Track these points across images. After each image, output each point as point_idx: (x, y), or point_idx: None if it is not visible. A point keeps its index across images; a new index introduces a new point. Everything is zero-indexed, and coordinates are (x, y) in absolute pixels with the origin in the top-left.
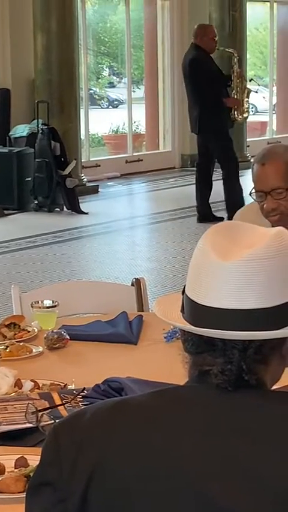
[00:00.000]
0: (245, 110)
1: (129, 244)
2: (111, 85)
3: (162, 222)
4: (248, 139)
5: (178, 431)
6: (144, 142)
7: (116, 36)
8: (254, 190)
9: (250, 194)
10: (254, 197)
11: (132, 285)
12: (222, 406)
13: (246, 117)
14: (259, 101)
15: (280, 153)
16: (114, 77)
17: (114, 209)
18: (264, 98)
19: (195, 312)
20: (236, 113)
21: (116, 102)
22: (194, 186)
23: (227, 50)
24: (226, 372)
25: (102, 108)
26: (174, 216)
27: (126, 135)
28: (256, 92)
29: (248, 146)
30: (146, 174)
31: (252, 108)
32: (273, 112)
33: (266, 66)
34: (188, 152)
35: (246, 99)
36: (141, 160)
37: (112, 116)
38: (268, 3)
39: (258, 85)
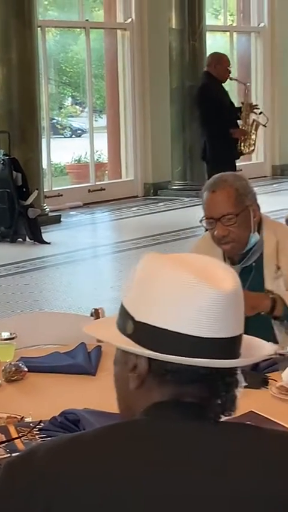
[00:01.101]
0: (252, 142)
1: (92, 273)
2: (74, 114)
3: (125, 251)
4: None
5: (132, 466)
6: (106, 172)
7: (78, 66)
8: (204, 218)
9: (200, 221)
10: (205, 224)
11: (91, 315)
12: (180, 439)
13: (253, 150)
14: None
15: (230, 180)
16: (77, 107)
17: (77, 238)
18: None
19: (196, 344)
20: (242, 144)
21: (79, 132)
22: (160, 214)
23: (239, 80)
24: (213, 403)
25: (65, 137)
26: (137, 244)
27: (88, 164)
28: (265, 126)
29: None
30: (108, 203)
31: None
32: None
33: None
34: (151, 181)
35: (253, 132)
36: (104, 189)
37: (75, 145)
38: (228, 33)
39: (267, 118)
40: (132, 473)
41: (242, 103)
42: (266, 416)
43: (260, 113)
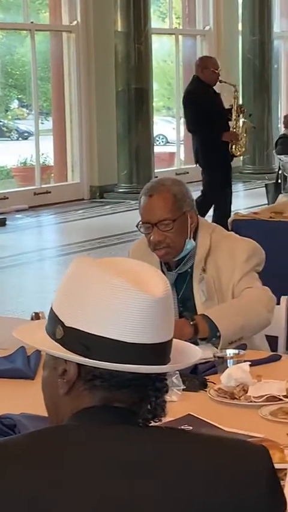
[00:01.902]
0: (243, 145)
1: (37, 277)
2: (21, 117)
3: (71, 254)
4: (156, 170)
5: (59, 471)
6: (52, 174)
7: (24, 69)
8: (141, 222)
9: (137, 226)
10: (141, 229)
11: (31, 319)
12: (108, 443)
13: (245, 151)
14: (169, 132)
15: (168, 185)
16: (24, 109)
17: (22, 242)
18: (174, 128)
19: (125, 349)
20: (234, 147)
21: (25, 134)
22: (106, 217)
23: (228, 83)
24: (143, 408)
25: (11, 140)
26: (82, 248)
27: (34, 167)
28: (255, 128)
29: (156, 177)
30: (54, 206)
31: (162, 138)
32: (181, 142)
33: (173, 96)
34: (97, 184)
35: (244, 134)
36: (50, 192)
37: (21, 148)
38: (173, 36)
39: (251, 122)
40: (58, 478)
41: (231, 106)
42: (203, 419)
43: (250, 115)
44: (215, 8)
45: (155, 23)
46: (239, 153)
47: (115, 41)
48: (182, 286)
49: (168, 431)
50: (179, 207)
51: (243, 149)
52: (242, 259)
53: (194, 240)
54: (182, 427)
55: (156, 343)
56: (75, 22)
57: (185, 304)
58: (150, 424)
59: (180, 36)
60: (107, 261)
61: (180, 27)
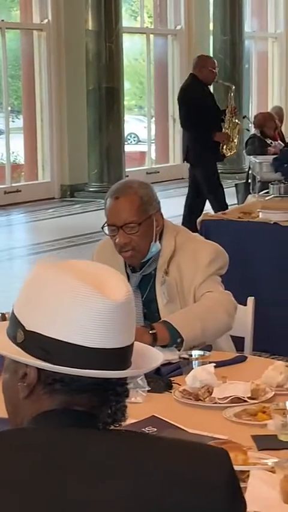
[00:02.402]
0: (234, 145)
1: (6, 276)
2: None
3: (41, 253)
4: (127, 169)
5: (17, 473)
6: (22, 173)
7: None
8: (106, 224)
9: (102, 228)
10: (106, 231)
11: None
12: (66, 446)
13: (235, 152)
14: (141, 130)
15: (134, 187)
16: None
17: None
18: (145, 127)
19: (85, 354)
20: (225, 147)
21: None
22: (76, 216)
23: (225, 83)
24: (103, 413)
25: None
26: (52, 247)
27: (4, 166)
28: (248, 130)
29: (127, 176)
30: (24, 205)
31: (134, 137)
32: (152, 142)
33: (145, 95)
34: (68, 182)
35: (236, 135)
36: (20, 191)
37: None
38: (145, 35)
39: (250, 123)
40: (17, 480)
41: (227, 106)
42: (167, 420)
43: (244, 117)
44: (186, 8)
45: (126, 21)
46: (229, 154)
47: (86, 40)
48: (146, 288)
49: (128, 434)
50: (145, 210)
51: (234, 150)
52: (204, 262)
53: (160, 242)
54: (146, 428)
55: (116, 347)
56: (46, 20)
57: (149, 306)
58: (110, 428)
59: (151, 36)
60: (69, 264)
61: (151, 27)
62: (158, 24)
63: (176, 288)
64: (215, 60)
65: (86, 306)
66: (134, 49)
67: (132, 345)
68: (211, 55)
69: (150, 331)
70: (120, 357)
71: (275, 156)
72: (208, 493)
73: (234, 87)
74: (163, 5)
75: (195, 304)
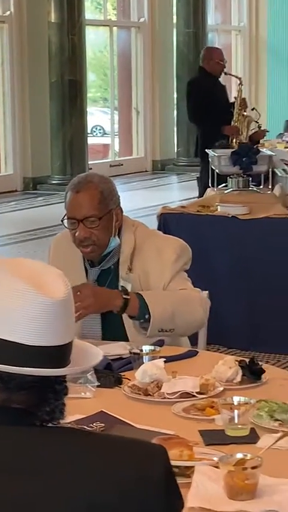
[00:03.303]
0: (243, 139)
1: None
2: None
3: (3, 246)
4: (90, 162)
5: None
6: None
7: None
8: (66, 217)
9: (62, 221)
10: (66, 224)
11: None
12: (3, 443)
13: None
14: (107, 123)
15: (95, 181)
16: None
17: None
18: (114, 120)
19: (24, 352)
20: (234, 141)
21: None
22: (39, 209)
23: (233, 75)
24: (41, 410)
25: None
26: (14, 240)
27: None
28: (257, 122)
29: (91, 169)
30: None
31: (100, 129)
32: (116, 134)
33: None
34: (30, 175)
35: (245, 128)
36: None
37: None
38: (108, 27)
39: (259, 115)
40: None
41: (235, 98)
42: (116, 416)
43: (253, 109)
44: (149, 0)
45: (91, 14)
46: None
47: (49, 32)
48: (105, 283)
49: (66, 431)
50: (106, 205)
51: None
52: (171, 259)
53: (118, 237)
54: (94, 424)
55: (55, 345)
56: (8, 12)
57: None
58: (49, 425)
59: (114, 28)
60: (8, 261)
61: (115, 19)
62: (122, 17)
63: (139, 284)
64: (222, 52)
65: (23, 303)
66: (98, 41)
67: (71, 342)
68: (174, 48)
69: (124, 296)
70: (58, 354)
71: (233, 150)
72: (143, 489)
73: (241, 79)
74: None
75: (173, 292)
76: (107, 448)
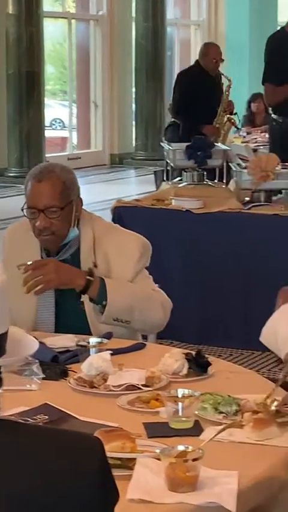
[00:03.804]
0: (219, 140)
1: None
2: None
3: None
4: (47, 155)
5: None
6: None
7: None
8: (26, 206)
9: (22, 210)
10: (26, 213)
11: None
12: None
13: None
14: (66, 116)
15: (57, 172)
16: None
17: None
18: (73, 113)
19: None
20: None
21: None
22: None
23: (224, 75)
24: None
25: None
26: None
27: None
28: (237, 127)
29: (48, 161)
30: None
31: (59, 122)
32: (74, 128)
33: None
34: None
35: (224, 130)
36: None
37: None
38: (66, 20)
39: (239, 120)
40: None
41: (222, 99)
42: (60, 408)
43: (235, 114)
44: None
45: (50, 6)
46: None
47: (6, 24)
48: None
49: (4, 423)
50: (67, 195)
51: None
52: (134, 257)
53: (77, 228)
54: (38, 416)
55: None
56: None
57: (63, 291)
58: None
59: (73, 21)
60: None
61: (73, 12)
62: (80, 10)
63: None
64: (220, 51)
65: None
66: (57, 34)
67: (6, 333)
68: (133, 41)
69: (87, 277)
70: None
71: (188, 144)
72: (76, 481)
73: (231, 81)
74: None
75: (138, 286)
76: (39, 440)
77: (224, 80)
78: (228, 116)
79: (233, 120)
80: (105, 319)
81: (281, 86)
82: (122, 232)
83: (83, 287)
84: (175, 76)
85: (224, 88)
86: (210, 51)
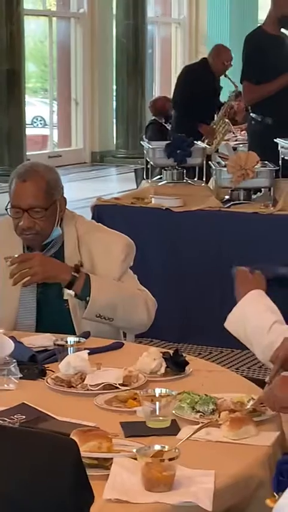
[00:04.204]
0: (215, 143)
1: None
2: None
3: None
4: (28, 153)
5: None
6: None
7: None
8: (10, 206)
9: (6, 209)
10: (10, 212)
11: None
12: None
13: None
14: (47, 114)
15: (41, 171)
16: None
17: None
18: (54, 111)
19: None
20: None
21: None
22: None
23: (230, 79)
24: None
25: None
26: None
27: None
28: (234, 133)
29: (29, 160)
30: None
31: (41, 120)
32: (55, 126)
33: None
34: None
35: (221, 134)
36: None
37: None
38: (47, 17)
39: (233, 125)
40: None
41: (225, 103)
42: (37, 408)
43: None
44: None
45: (31, 4)
46: (211, 147)
47: None
48: None
49: None
50: (51, 195)
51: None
52: (119, 258)
53: (60, 227)
54: (15, 416)
55: None
56: None
57: (46, 289)
58: None
59: (54, 18)
60: None
61: (54, 9)
62: (61, 7)
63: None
64: (232, 56)
65: None
66: (39, 32)
67: None
68: (114, 39)
69: (73, 273)
70: None
71: (167, 142)
72: (51, 482)
73: (238, 88)
74: None
75: (123, 285)
76: (13, 441)
77: (222, 83)
78: (227, 120)
79: (230, 126)
80: (87, 315)
81: (259, 84)
82: (106, 232)
83: (68, 282)
84: (156, 74)
85: (229, 93)
86: (223, 53)
